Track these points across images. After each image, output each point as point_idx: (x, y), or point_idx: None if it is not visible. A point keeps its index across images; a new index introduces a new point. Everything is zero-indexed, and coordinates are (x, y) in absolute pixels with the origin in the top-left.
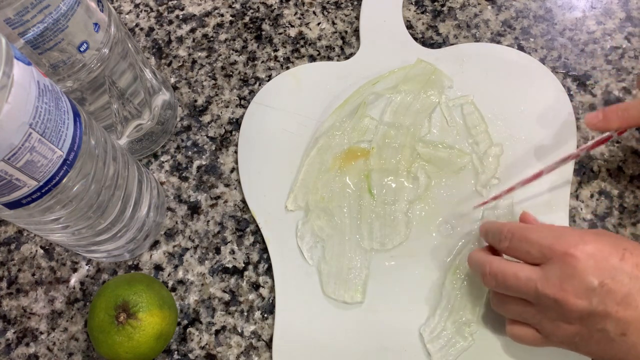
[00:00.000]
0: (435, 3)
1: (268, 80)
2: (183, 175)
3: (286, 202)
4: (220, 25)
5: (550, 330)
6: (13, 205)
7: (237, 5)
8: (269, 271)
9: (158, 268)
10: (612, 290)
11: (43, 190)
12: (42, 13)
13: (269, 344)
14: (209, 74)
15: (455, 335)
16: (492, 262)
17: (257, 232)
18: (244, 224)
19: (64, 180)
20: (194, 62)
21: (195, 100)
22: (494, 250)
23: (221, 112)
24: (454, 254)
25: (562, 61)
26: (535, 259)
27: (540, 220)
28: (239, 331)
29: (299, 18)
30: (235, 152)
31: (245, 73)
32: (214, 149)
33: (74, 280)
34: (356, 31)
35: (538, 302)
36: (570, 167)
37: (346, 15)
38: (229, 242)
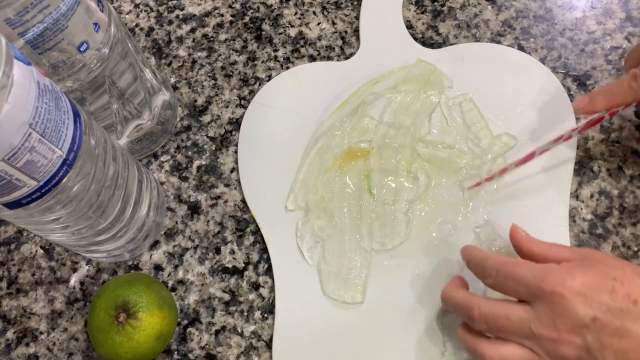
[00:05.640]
0: (435, 3)
1: (268, 80)
2: (183, 175)
3: (286, 202)
4: (220, 25)
5: None
6: (13, 205)
7: (237, 5)
8: (269, 271)
9: (158, 268)
10: (605, 325)
11: (43, 190)
12: (42, 13)
13: (269, 344)
14: (209, 74)
15: None
16: (480, 305)
17: (257, 232)
18: (244, 224)
19: (64, 180)
20: (194, 62)
21: (195, 100)
22: (463, 280)
23: (221, 112)
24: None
25: (562, 61)
26: (523, 297)
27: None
28: (239, 331)
29: (299, 18)
30: (235, 152)
31: (245, 73)
32: (214, 149)
33: (74, 280)
34: (356, 31)
35: (534, 343)
36: (569, 166)
37: (346, 15)
38: (229, 242)
